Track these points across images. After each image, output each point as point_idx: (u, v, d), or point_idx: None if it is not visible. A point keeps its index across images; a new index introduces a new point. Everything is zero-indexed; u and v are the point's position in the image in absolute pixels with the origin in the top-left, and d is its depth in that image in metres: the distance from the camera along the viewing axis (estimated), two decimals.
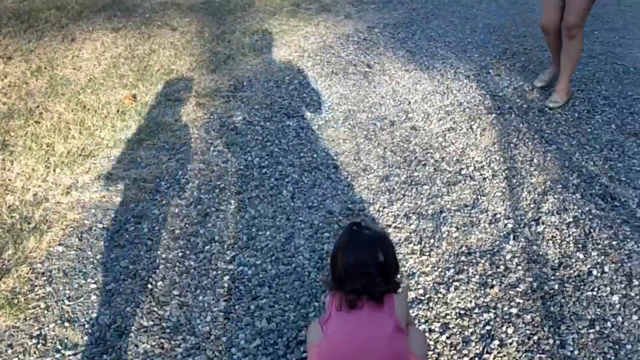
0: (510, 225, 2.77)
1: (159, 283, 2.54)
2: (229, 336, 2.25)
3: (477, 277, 2.48)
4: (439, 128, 3.66)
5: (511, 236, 2.70)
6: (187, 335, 2.27)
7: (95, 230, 2.89)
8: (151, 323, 2.33)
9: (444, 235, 2.73)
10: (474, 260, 2.57)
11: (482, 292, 2.40)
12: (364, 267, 1.72)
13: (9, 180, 3.28)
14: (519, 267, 2.52)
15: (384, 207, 2.95)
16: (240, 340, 2.23)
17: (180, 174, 3.31)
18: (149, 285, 2.53)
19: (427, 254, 2.63)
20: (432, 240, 2.71)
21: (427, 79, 4.33)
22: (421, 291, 2.42)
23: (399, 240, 2.72)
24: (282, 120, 3.83)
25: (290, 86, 4.31)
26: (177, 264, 2.65)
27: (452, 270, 2.52)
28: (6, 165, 3.43)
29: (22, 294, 2.48)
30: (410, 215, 2.89)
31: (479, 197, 2.99)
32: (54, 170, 3.38)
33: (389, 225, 2.82)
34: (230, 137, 3.66)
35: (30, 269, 2.63)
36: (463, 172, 3.21)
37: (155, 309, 2.41)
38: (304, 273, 2.55)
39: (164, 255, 2.70)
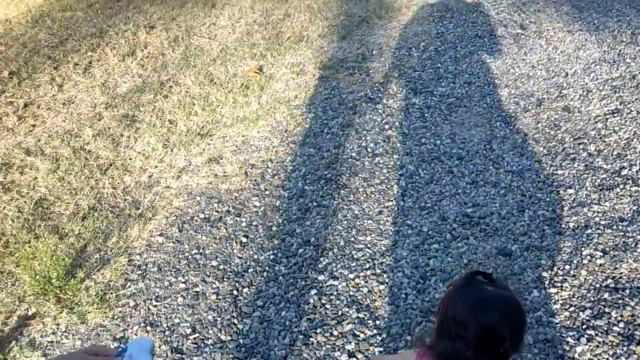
0: None
1: (245, 290, 2.36)
2: None
3: (622, 325, 1.92)
4: (599, 110, 2.95)
5: None
6: (262, 359, 2.07)
7: (196, 220, 2.79)
8: (229, 338, 2.17)
9: (585, 261, 2.17)
10: (620, 301, 2.00)
11: (625, 348, 1.84)
12: (461, 327, 1.33)
13: (130, 159, 3.32)
14: None
15: (512, 215, 2.44)
16: None
17: (288, 160, 3.07)
18: (235, 292, 2.36)
19: (559, 284, 2.10)
20: (567, 266, 2.16)
21: (594, 43, 3.54)
22: (542, 336, 1.93)
23: (525, 260, 2.21)
24: (407, 97, 3.39)
25: (424, 54, 3.81)
26: (267, 268, 2.44)
27: (588, 312, 1.98)
28: (130, 143, 3.47)
29: (114, 289, 2.46)
30: (545, 227, 2.35)
31: None
32: (172, 150, 3.35)
33: (515, 240, 2.31)
34: (347, 117, 3.32)
35: (128, 261, 2.61)
36: (624, 172, 2.54)
37: (236, 321, 2.24)
38: (400, 295, 2.19)
39: (255, 257, 2.51)
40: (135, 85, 4.12)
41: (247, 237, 2.64)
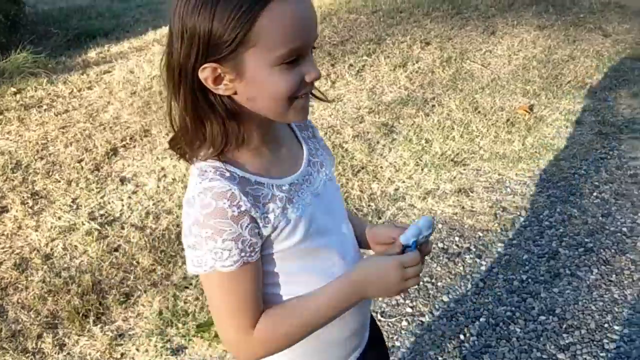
0: None
1: (473, 339, 2.23)
2: None
3: None
4: None
5: None
6: None
7: (434, 248, 2.73)
8: None
9: None
10: None
11: None
12: None
13: (381, 168, 3.39)
14: None
15: None
16: None
17: (545, 214, 2.84)
18: (461, 336, 2.25)
19: None
20: None
21: None
22: None
23: None
24: None
25: None
26: (501, 324, 2.28)
27: None
28: (384, 152, 3.55)
29: None
30: None
31: None
32: (422, 170, 3.34)
33: None
34: (623, 185, 2.96)
35: None
36: None
37: None
38: None
39: (490, 307, 2.36)
40: (399, 97, 4.21)
41: (484, 282, 2.50)
